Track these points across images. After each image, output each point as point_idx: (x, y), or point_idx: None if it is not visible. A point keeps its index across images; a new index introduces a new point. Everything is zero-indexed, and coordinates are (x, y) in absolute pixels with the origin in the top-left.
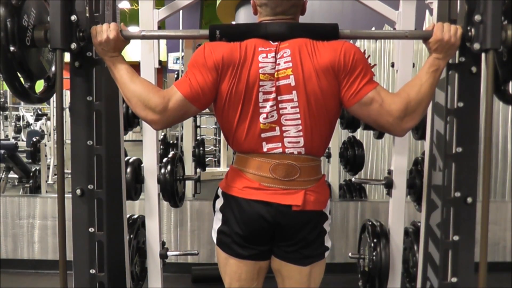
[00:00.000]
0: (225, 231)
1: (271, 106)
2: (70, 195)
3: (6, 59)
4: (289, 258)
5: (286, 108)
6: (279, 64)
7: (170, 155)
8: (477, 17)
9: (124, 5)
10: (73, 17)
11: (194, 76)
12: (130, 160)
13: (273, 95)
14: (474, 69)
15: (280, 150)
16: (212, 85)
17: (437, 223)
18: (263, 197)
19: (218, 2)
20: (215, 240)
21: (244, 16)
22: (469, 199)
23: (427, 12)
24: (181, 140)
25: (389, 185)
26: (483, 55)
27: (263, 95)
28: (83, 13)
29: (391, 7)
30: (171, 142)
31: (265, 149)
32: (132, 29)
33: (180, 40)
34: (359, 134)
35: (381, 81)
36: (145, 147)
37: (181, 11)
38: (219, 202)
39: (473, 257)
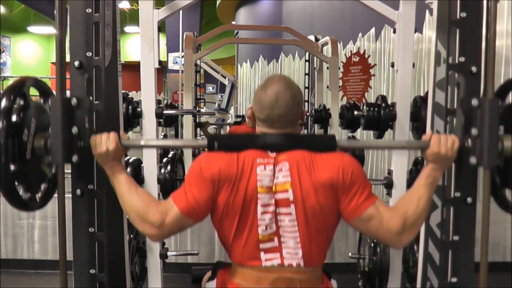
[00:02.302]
0: None
1: (270, 219)
2: (70, 195)
3: (6, 179)
4: None
5: (284, 220)
6: (277, 177)
7: (170, 155)
8: (474, 131)
9: (124, 5)
10: (74, 130)
11: (190, 190)
12: (130, 160)
13: (272, 208)
14: (474, 69)
15: (279, 261)
16: (208, 199)
17: (437, 223)
18: None
19: (218, 2)
20: None
21: (244, 16)
22: (469, 199)
23: (427, 12)
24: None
25: (389, 185)
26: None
27: (262, 207)
28: (83, 123)
29: (391, 7)
30: None
31: (263, 260)
32: (133, 29)
33: (180, 40)
34: (359, 134)
35: (381, 81)
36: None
37: (181, 11)
38: None
39: (473, 257)
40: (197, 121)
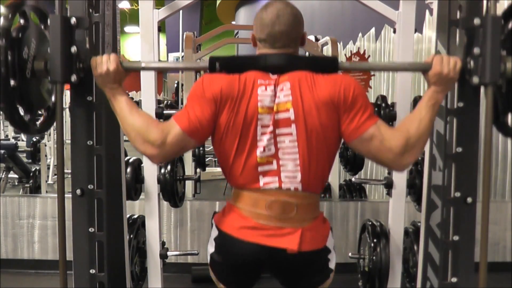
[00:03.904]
0: (217, 260)
1: (268, 140)
2: (70, 195)
3: (6, 93)
4: (292, 286)
5: (284, 141)
6: (278, 97)
7: None
8: (476, 50)
9: (124, 5)
10: (73, 49)
11: (192, 109)
12: (130, 160)
13: (270, 128)
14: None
15: (277, 185)
16: (210, 118)
17: (437, 223)
18: (257, 239)
19: (218, 2)
20: (208, 258)
21: (244, 16)
22: (469, 199)
23: (427, 12)
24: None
25: (389, 185)
26: None
27: (261, 128)
28: (83, 43)
29: (391, 7)
30: None
31: (261, 183)
32: (133, 29)
33: (180, 40)
34: None
35: (381, 81)
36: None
37: (181, 11)
38: (214, 233)
39: (473, 257)
40: None
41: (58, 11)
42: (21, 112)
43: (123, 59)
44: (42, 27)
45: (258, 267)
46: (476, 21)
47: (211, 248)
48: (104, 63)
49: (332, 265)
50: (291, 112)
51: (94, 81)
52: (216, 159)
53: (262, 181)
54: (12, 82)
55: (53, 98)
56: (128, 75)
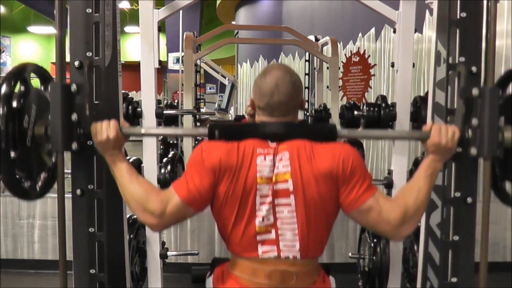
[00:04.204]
0: None
1: (267, 210)
2: (70, 195)
3: (6, 165)
4: None
5: (282, 212)
6: (277, 167)
7: (170, 155)
8: (475, 122)
9: (124, 5)
10: (74, 116)
11: (191, 178)
12: (130, 160)
13: (269, 199)
14: (474, 69)
15: (276, 253)
16: (209, 188)
17: (437, 223)
18: None
19: (218, 2)
20: None
21: (244, 16)
22: (469, 199)
23: (427, 12)
24: (181, 140)
25: (389, 185)
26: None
27: (260, 198)
28: (83, 110)
29: (391, 7)
30: (171, 142)
31: (260, 252)
32: (133, 29)
33: (180, 40)
34: None
35: (381, 81)
36: (145, 147)
37: (181, 11)
38: None
39: (473, 257)
40: (198, 118)
41: (58, 78)
42: (22, 176)
43: (123, 124)
44: (42, 88)
45: None
46: (475, 91)
47: None
48: (104, 131)
49: None
50: (290, 183)
51: (94, 83)
52: None
53: (261, 249)
54: (12, 154)
55: (53, 159)
56: (127, 139)
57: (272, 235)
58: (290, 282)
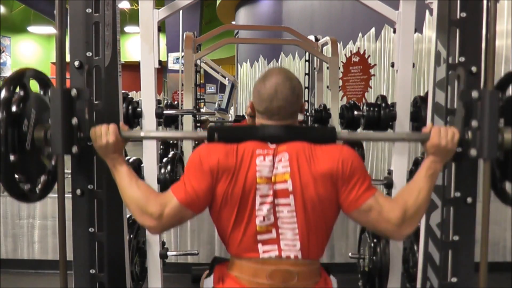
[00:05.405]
0: None
1: (267, 210)
2: (70, 195)
3: (6, 168)
4: None
5: (282, 211)
6: (277, 168)
7: (170, 155)
8: (474, 123)
9: (124, 5)
10: (74, 121)
11: (189, 181)
12: (130, 160)
13: (270, 199)
14: (474, 69)
15: (277, 253)
16: (207, 190)
17: (437, 223)
18: None
19: (218, 2)
20: None
21: (244, 16)
22: (469, 199)
23: (427, 12)
24: (181, 140)
25: (389, 185)
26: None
27: (260, 198)
28: (83, 114)
29: (391, 7)
30: (171, 142)
31: (260, 252)
32: (133, 29)
33: (180, 40)
34: None
35: (381, 81)
36: (145, 147)
37: (181, 11)
38: None
39: (473, 257)
40: (198, 118)
41: (58, 83)
42: (21, 179)
43: (122, 127)
44: (42, 92)
45: None
46: (474, 94)
47: None
48: (104, 136)
49: None
50: (289, 183)
51: (94, 83)
52: None
53: (262, 249)
54: (11, 158)
55: (53, 162)
56: (128, 141)
57: (273, 234)
58: (291, 282)
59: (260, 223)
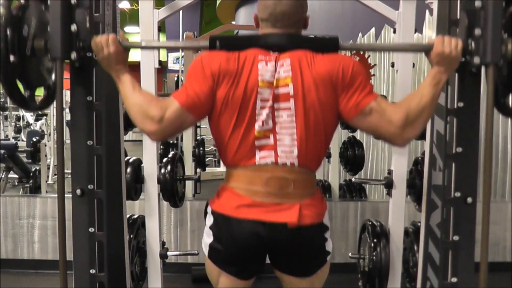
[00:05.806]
0: (217, 248)
1: (267, 114)
2: (70, 195)
3: (6, 69)
4: (290, 271)
5: (282, 116)
6: (278, 72)
7: (170, 155)
8: (477, 31)
9: (124, 5)
10: (73, 27)
11: (190, 85)
12: (130, 160)
13: (269, 103)
14: (474, 69)
15: (273, 159)
16: (208, 93)
17: (437, 223)
18: (256, 216)
19: (218, 2)
20: (206, 254)
21: (244, 16)
22: (469, 199)
23: (427, 12)
24: (181, 140)
25: (389, 185)
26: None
27: (261, 102)
28: (83, 23)
29: (391, 7)
30: (171, 142)
31: (257, 158)
32: (133, 29)
33: (180, 40)
34: (359, 134)
35: (381, 81)
36: (145, 147)
37: (181, 11)
38: (209, 220)
39: (473, 257)
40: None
41: None
42: (21, 88)
43: (122, 38)
44: (43, 7)
45: (260, 248)
46: (477, 3)
47: (208, 239)
48: (104, 47)
49: (328, 247)
50: (290, 87)
51: (95, 83)
52: (216, 159)
53: (258, 155)
54: (11, 58)
55: (53, 77)
56: (129, 51)
57: (270, 140)
58: (287, 189)
59: (259, 128)
